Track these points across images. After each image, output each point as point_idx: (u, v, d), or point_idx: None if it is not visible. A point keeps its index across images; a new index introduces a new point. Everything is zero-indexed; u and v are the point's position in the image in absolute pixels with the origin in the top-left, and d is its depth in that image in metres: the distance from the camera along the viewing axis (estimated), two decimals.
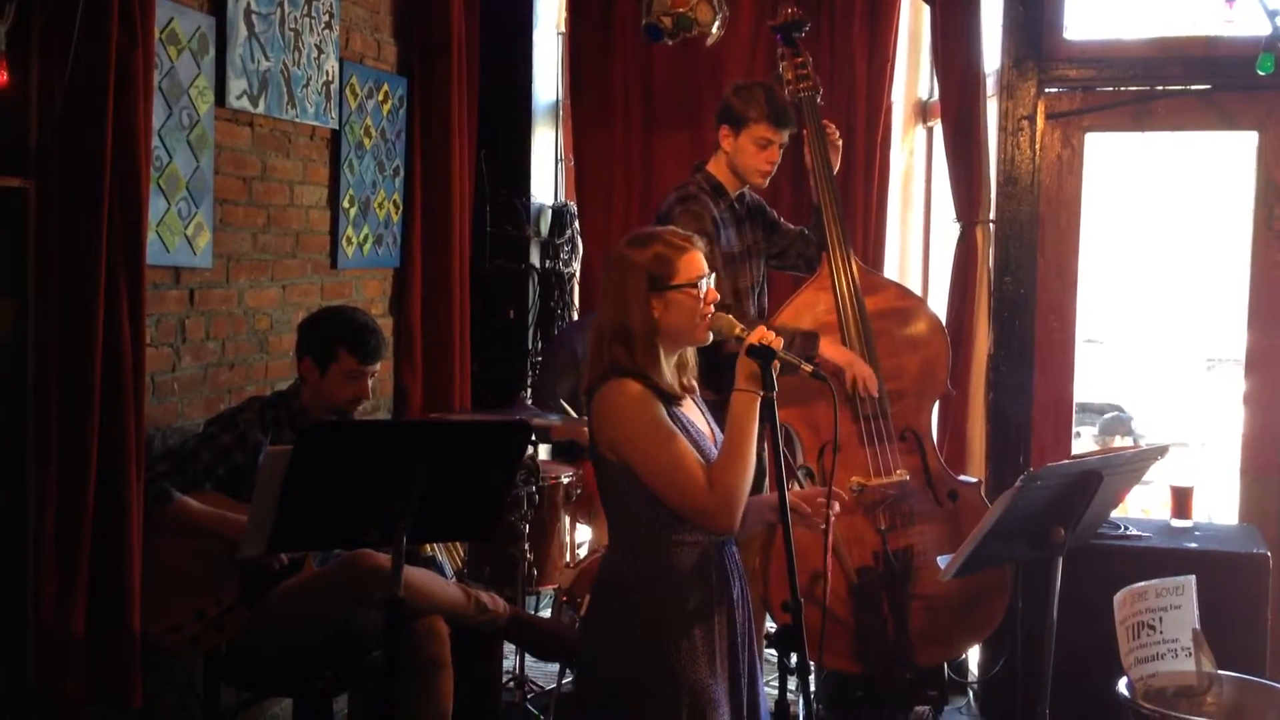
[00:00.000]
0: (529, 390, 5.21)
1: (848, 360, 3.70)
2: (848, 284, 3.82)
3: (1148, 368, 9.02)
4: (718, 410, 2.71)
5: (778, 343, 2.46)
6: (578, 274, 5.49)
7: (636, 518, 2.51)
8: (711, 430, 2.63)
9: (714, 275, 2.59)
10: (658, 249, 2.52)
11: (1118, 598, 3.10)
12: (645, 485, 2.47)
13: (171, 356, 3.56)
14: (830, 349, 3.70)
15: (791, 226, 3.99)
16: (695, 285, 2.51)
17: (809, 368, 2.52)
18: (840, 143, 3.93)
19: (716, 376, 2.71)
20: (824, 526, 2.58)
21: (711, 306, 2.54)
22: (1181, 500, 3.96)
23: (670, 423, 2.48)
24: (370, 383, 3.45)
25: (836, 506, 2.58)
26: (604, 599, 2.60)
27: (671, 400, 2.53)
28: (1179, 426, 8.05)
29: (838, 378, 3.67)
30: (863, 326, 3.80)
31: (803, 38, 3.96)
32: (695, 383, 2.65)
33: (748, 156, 3.69)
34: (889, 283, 4.11)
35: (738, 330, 2.51)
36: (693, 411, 2.61)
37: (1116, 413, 6.58)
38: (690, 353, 2.62)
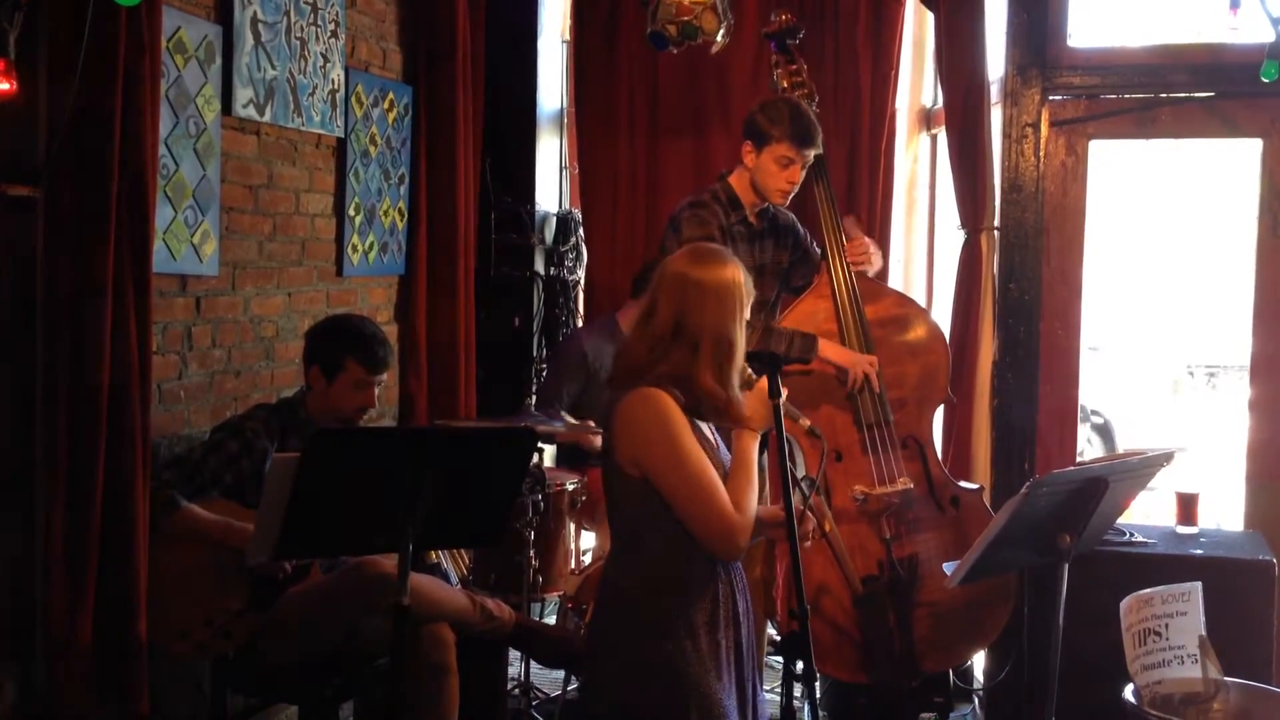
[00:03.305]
0: (532, 393, 5.21)
1: (850, 360, 3.70)
2: (847, 292, 3.83)
3: (1143, 375, 9.03)
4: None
5: (784, 391, 2.57)
6: (582, 281, 5.50)
7: (649, 531, 2.50)
8: (715, 439, 2.63)
9: None
10: (742, 274, 2.54)
11: (1124, 604, 3.10)
12: (665, 502, 2.45)
13: (178, 364, 3.57)
14: (830, 349, 3.71)
15: (818, 254, 3.97)
16: None
17: (806, 423, 2.65)
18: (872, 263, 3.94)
19: None
20: (808, 542, 2.66)
21: None
22: (1187, 507, 3.96)
23: (698, 443, 2.48)
24: (377, 392, 3.46)
25: (812, 522, 2.64)
26: (610, 607, 2.59)
27: (731, 418, 2.54)
28: (1164, 433, 8.08)
29: (841, 377, 3.69)
30: (864, 334, 3.81)
31: (797, 45, 3.97)
32: None
33: (768, 175, 3.67)
34: (888, 290, 4.12)
35: (747, 373, 2.58)
36: (705, 426, 2.61)
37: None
38: None
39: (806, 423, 2.65)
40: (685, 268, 2.52)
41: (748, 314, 2.55)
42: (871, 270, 3.93)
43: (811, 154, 3.69)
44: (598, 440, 4.39)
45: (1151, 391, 9.05)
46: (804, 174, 3.72)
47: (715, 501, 2.43)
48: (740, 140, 3.76)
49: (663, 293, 2.52)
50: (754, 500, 2.49)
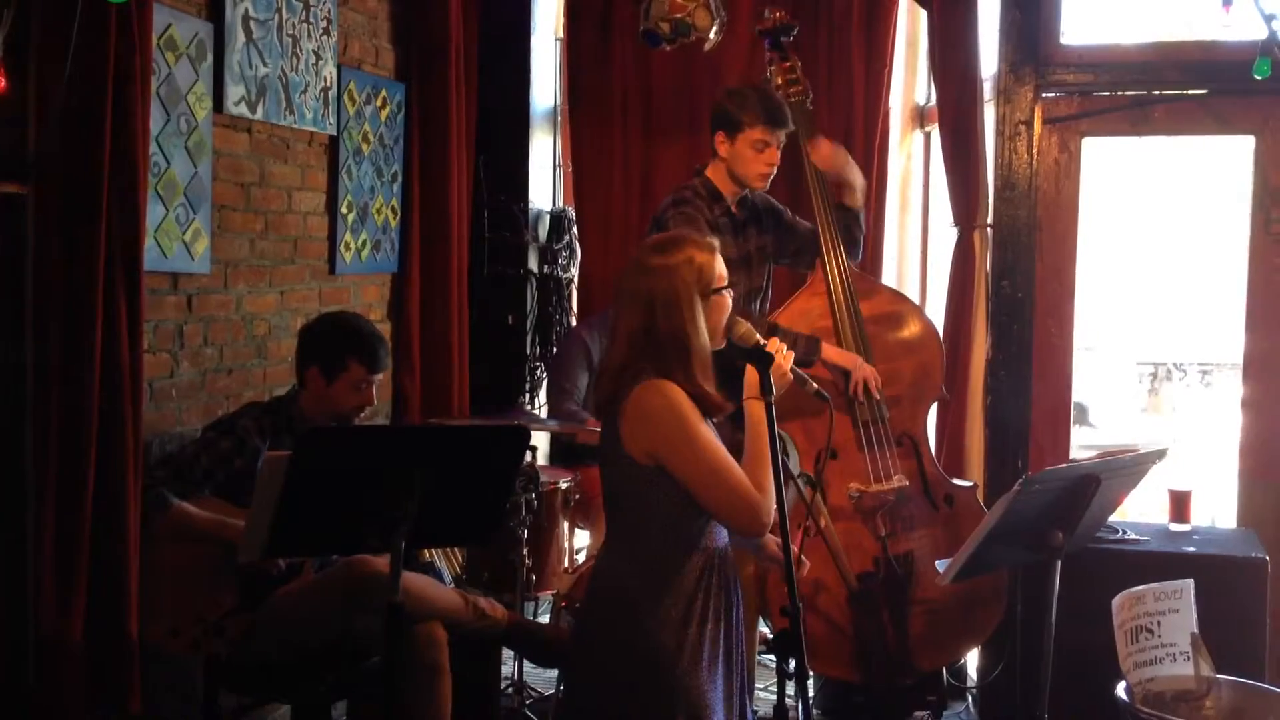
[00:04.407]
0: (541, 391, 5.20)
1: (853, 363, 3.71)
2: (843, 289, 3.82)
3: (1103, 372, 9.05)
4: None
5: (789, 359, 2.55)
6: (576, 279, 5.50)
7: (650, 525, 2.50)
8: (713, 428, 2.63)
9: None
10: (700, 255, 2.53)
11: (1116, 602, 3.10)
12: (682, 491, 2.45)
13: (170, 362, 3.56)
14: (833, 352, 3.71)
15: (805, 224, 3.97)
16: (729, 286, 2.57)
17: (814, 387, 2.63)
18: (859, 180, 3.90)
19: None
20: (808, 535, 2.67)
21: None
22: (1180, 504, 3.96)
23: (709, 427, 2.49)
24: (374, 391, 3.46)
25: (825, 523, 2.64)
26: (601, 602, 2.59)
27: (710, 410, 2.53)
28: (1126, 431, 8.12)
29: (841, 381, 3.69)
30: (859, 331, 3.80)
31: (790, 42, 3.96)
32: None
33: (746, 161, 3.67)
34: (882, 287, 4.12)
35: (755, 338, 2.57)
36: None
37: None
38: None
39: (814, 386, 2.65)
40: (633, 267, 2.55)
41: (723, 288, 2.53)
42: (858, 184, 3.90)
43: (784, 134, 3.69)
44: None
45: (1112, 389, 9.08)
46: (779, 156, 3.71)
47: (735, 483, 2.44)
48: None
49: (622, 303, 2.54)
50: (770, 470, 2.48)
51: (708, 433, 2.47)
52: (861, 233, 3.96)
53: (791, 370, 2.57)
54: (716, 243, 2.61)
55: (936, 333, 4.01)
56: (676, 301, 2.48)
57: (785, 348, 2.57)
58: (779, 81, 3.92)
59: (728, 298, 2.57)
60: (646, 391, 2.46)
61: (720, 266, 2.56)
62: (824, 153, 3.81)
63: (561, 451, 5.02)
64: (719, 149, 3.70)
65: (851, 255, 3.89)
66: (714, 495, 2.45)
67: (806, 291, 3.88)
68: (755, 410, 2.52)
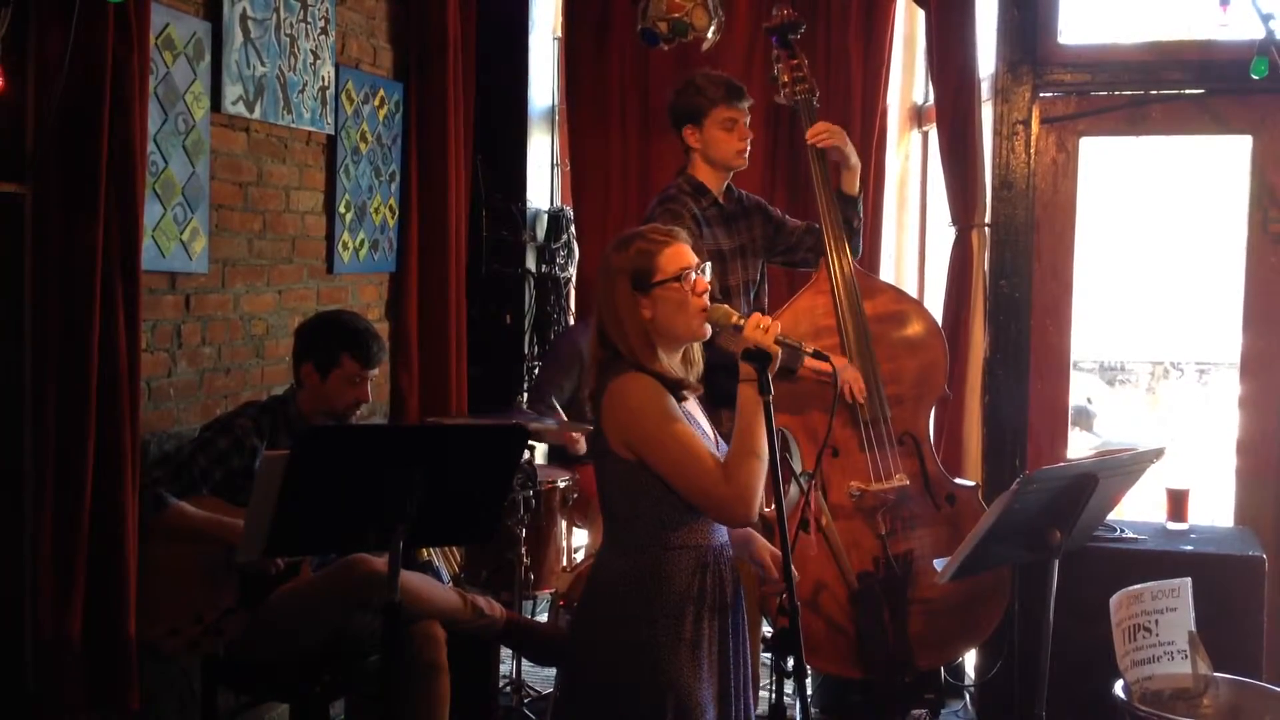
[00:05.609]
0: (524, 389, 5.20)
1: (837, 365, 3.68)
2: (846, 288, 3.82)
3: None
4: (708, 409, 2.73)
5: (775, 327, 2.46)
6: (574, 278, 5.50)
7: (638, 519, 2.50)
8: (703, 424, 2.63)
9: (706, 266, 2.58)
10: (638, 247, 2.53)
11: (1114, 600, 3.11)
12: (660, 481, 2.46)
13: (168, 362, 3.56)
14: (813, 363, 3.69)
15: (798, 222, 3.98)
16: (679, 279, 2.49)
17: (810, 348, 2.56)
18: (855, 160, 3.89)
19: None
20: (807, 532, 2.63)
21: (705, 298, 2.52)
22: (1177, 503, 3.97)
23: (682, 416, 2.49)
24: (369, 387, 3.46)
25: (823, 521, 2.62)
26: (595, 597, 2.59)
27: (679, 392, 2.52)
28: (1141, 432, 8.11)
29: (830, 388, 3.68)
30: (862, 330, 3.80)
31: (798, 39, 3.96)
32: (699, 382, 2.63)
33: (720, 143, 3.68)
34: (885, 286, 4.11)
35: (734, 319, 2.50)
36: (696, 410, 2.61)
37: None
38: (697, 350, 2.62)
39: (811, 349, 2.57)
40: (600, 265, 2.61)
41: (665, 281, 2.49)
42: (855, 163, 3.88)
43: (747, 105, 3.70)
44: (580, 443, 4.40)
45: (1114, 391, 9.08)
46: (749, 129, 3.72)
47: (702, 477, 2.42)
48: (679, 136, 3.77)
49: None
50: (756, 458, 2.42)
51: (675, 426, 2.45)
52: (860, 222, 3.95)
53: (780, 342, 2.47)
54: (683, 235, 2.58)
55: (940, 331, 4.00)
56: (610, 293, 2.52)
57: (766, 323, 2.46)
58: (785, 79, 3.91)
59: (684, 290, 2.49)
60: (620, 384, 2.47)
61: (675, 259, 2.50)
62: (819, 128, 3.80)
63: (559, 451, 5.02)
64: (690, 142, 3.73)
65: (852, 248, 3.88)
66: (686, 486, 2.44)
67: (810, 289, 3.87)
68: (745, 395, 2.45)
